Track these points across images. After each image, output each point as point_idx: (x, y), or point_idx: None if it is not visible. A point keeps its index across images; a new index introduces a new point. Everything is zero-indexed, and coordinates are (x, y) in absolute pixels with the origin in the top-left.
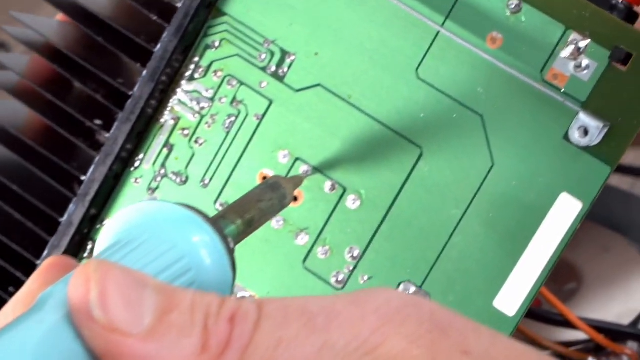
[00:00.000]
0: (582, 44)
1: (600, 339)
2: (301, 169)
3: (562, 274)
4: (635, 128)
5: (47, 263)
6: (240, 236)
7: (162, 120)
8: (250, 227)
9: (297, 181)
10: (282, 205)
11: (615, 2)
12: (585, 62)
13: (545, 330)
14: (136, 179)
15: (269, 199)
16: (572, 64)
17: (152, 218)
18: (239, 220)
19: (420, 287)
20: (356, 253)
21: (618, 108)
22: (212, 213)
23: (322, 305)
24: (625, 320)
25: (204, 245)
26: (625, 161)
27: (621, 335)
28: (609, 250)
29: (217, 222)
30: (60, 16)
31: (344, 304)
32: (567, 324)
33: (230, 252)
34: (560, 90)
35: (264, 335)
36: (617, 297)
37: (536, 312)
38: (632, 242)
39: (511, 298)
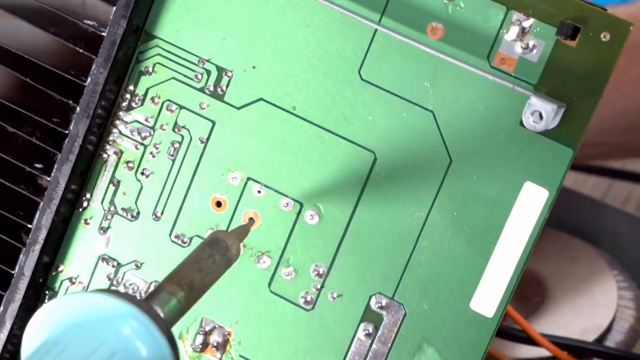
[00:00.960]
0: (526, 23)
1: (564, 356)
2: (254, 188)
3: (527, 287)
4: (593, 104)
5: None
6: (185, 306)
7: (104, 156)
8: (193, 292)
9: (241, 232)
10: (228, 259)
11: None
12: (532, 42)
13: (506, 346)
14: (86, 220)
15: (207, 256)
16: (518, 46)
17: (76, 314)
18: (179, 290)
19: (392, 297)
20: (322, 270)
21: (573, 86)
22: (168, 246)
23: None
24: (591, 336)
25: (136, 335)
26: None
27: (586, 352)
28: (575, 262)
29: (149, 304)
30: None
31: None
32: (530, 340)
33: (168, 333)
34: (509, 74)
35: None
36: (583, 311)
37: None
38: (602, 252)
39: (488, 298)
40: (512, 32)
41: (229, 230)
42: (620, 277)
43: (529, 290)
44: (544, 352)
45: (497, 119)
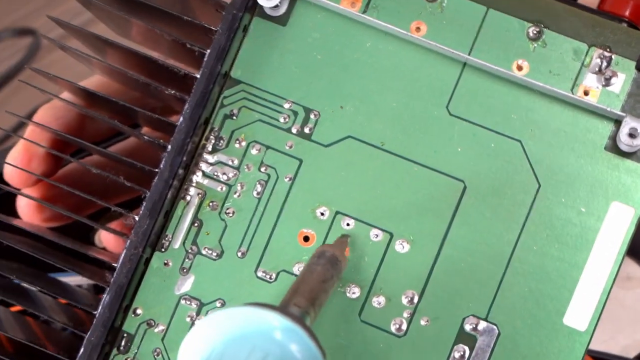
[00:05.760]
0: (607, 58)
1: None
2: (342, 222)
3: None
4: None
5: None
6: (311, 322)
7: (187, 197)
8: (318, 311)
9: (344, 245)
10: (339, 279)
11: (620, 20)
12: (613, 75)
13: None
14: (166, 262)
15: (330, 276)
16: (601, 79)
17: (228, 327)
18: (310, 307)
19: (485, 319)
20: (413, 297)
21: None
22: (253, 283)
23: None
24: (632, 352)
25: (289, 341)
26: None
27: None
28: (620, 278)
29: (302, 321)
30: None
31: None
32: None
33: (316, 340)
34: (593, 105)
35: None
36: (625, 328)
37: None
38: None
39: (581, 313)
40: (594, 66)
41: (334, 244)
42: None
43: None
44: None
45: (582, 145)
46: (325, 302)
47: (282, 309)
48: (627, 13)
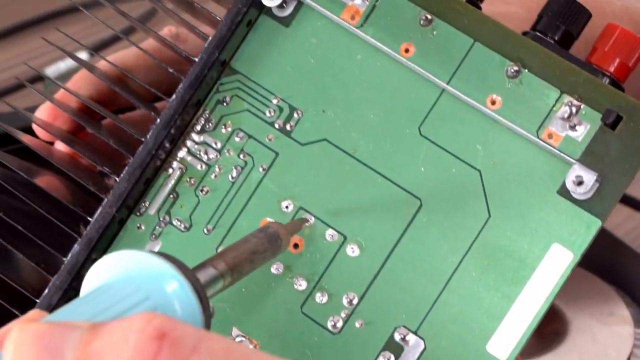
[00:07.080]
0: (576, 106)
1: None
2: (303, 217)
3: (547, 321)
4: (625, 184)
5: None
6: (224, 288)
7: (169, 170)
8: (237, 279)
9: (296, 228)
10: (275, 256)
11: (602, 74)
12: (578, 123)
13: None
14: (139, 225)
15: (263, 250)
16: (566, 125)
17: (129, 267)
18: (227, 272)
19: (415, 332)
20: (353, 299)
21: (609, 165)
22: None
23: None
24: None
25: (176, 296)
26: None
27: None
28: (603, 310)
29: (195, 273)
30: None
31: None
32: None
33: (205, 304)
34: (554, 148)
35: None
36: (591, 358)
37: None
38: (634, 306)
39: (504, 343)
40: (562, 112)
41: (287, 225)
42: None
43: (548, 325)
44: None
45: (537, 185)
46: (248, 272)
47: (185, 266)
48: (612, 69)
